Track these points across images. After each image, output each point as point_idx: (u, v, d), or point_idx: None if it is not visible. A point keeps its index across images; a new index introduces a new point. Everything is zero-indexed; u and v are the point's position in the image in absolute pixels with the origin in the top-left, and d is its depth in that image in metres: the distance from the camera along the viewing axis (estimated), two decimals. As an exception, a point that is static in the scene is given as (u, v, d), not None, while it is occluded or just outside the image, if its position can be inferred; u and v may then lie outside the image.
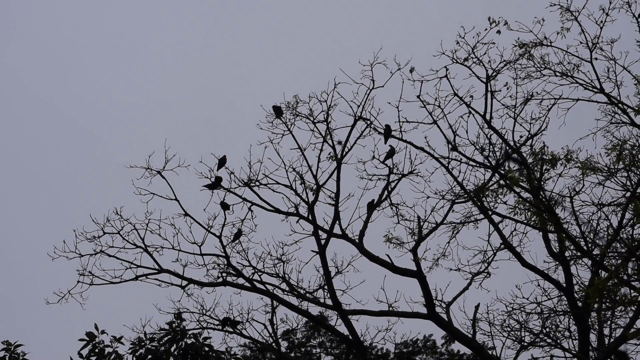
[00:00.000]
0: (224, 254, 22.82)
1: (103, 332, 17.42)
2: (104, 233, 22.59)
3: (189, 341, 17.69)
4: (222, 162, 22.79)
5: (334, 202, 22.99)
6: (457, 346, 28.54)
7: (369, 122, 22.94)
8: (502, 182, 22.60)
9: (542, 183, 22.35)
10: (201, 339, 17.88)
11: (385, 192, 23.35)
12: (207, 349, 17.81)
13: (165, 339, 17.71)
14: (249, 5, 64.75)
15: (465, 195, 22.64)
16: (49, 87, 63.48)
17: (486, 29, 22.02)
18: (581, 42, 22.52)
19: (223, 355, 18.34)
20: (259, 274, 23.15)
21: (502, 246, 23.03)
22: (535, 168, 22.61)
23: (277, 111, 23.12)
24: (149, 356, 17.36)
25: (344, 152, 23.08)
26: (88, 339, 17.32)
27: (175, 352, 17.57)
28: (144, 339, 17.77)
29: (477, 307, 23.40)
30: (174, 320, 17.96)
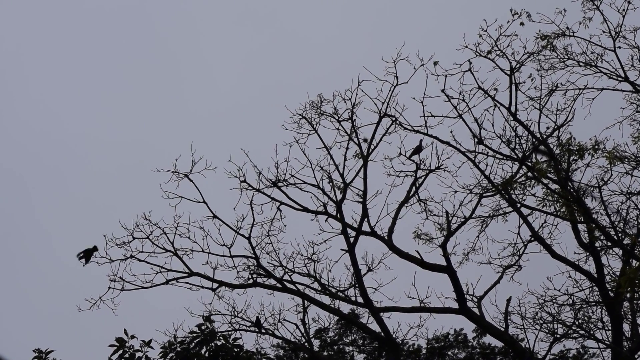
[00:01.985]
0: (253, 255, 22.87)
1: (133, 337, 17.48)
2: (134, 238, 22.67)
3: (219, 343, 17.73)
4: (88, 254, 22.65)
5: (361, 200, 22.98)
6: (488, 339, 28.50)
7: (394, 118, 22.93)
8: (529, 174, 22.51)
9: (569, 174, 22.21)
10: (231, 340, 17.92)
11: (413, 188, 23.32)
12: (237, 349, 17.86)
13: (196, 341, 17.76)
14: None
15: (493, 189, 22.56)
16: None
17: (508, 21, 21.99)
18: (604, 32, 22.41)
19: (255, 356, 18.39)
20: (290, 274, 23.18)
21: (532, 238, 22.91)
22: (563, 159, 22.48)
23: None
24: (179, 359, 17.45)
25: (370, 150, 23.07)
26: (118, 344, 17.41)
27: (206, 354, 17.62)
28: (174, 342, 17.84)
29: (508, 300, 23.30)
30: (204, 322, 18.01)
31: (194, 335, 17.75)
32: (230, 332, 20.21)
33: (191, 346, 17.65)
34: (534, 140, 22.45)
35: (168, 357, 17.48)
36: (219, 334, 18.09)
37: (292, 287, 23.09)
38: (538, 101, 22.59)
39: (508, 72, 22.41)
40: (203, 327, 17.75)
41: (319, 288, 23.17)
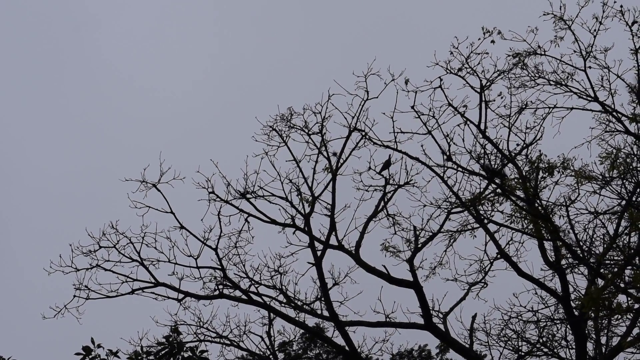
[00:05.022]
0: (220, 267, 22.77)
1: (99, 345, 17.30)
2: (100, 247, 22.54)
3: (185, 355, 17.60)
4: None
5: (329, 214, 22.95)
6: (451, 355, 28.59)
7: (363, 133, 22.92)
8: (498, 190, 22.56)
9: (538, 191, 22.28)
10: (198, 352, 17.79)
11: (382, 203, 23.33)
12: (204, 362, 17.75)
13: (163, 352, 17.62)
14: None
15: (461, 205, 22.59)
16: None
17: (480, 39, 21.95)
18: (575, 51, 22.43)
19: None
20: (256, 286, 23.10)
21: (499, 256, 22.94)
22: (532, 176, 22.54)
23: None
24: (146, 370, 17.32)
25: (339, 164, 23.05)
26: (84, 353, 17.23)
27: (173, 366, 17.50)
28: (141, 352, 17.69)
29: (474, 317, 23.39)
30: (171, 333, 17.88)
31: (162, 346, 17.62)
32: (196, 345, 20.06)
33: (158, 357, 17.50)
34: (502, 157, 22.50)
35: (134, 368, 17.36)
36: (186, 345, 17.94)
37: (258, 299, 23.01)
38: (507, 119, 22.62)
39: (478, 90, 22.43)
40: (170, 339, 17.63)
41: (285, 300, 23.12)
